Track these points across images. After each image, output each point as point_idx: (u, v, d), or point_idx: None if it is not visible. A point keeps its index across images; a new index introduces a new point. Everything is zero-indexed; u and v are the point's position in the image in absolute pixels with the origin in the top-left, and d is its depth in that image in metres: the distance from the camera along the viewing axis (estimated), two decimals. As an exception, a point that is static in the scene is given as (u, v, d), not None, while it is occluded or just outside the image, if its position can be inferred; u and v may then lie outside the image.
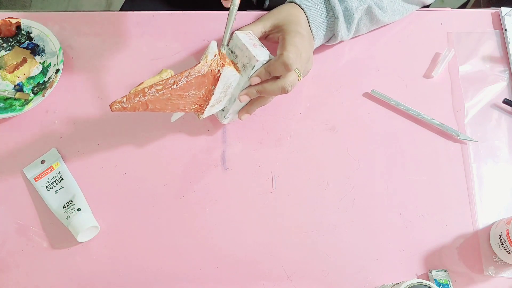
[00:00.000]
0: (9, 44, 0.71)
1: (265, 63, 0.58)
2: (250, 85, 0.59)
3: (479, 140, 0.67)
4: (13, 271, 0.61)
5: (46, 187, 0.63)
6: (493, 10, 0.75)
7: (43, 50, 0.70)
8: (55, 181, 0.64)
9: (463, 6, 1.18)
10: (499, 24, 0.74)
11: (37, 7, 1.72)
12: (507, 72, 0.71)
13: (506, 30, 0.73)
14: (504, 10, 0.74)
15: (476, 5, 1.12)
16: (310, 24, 0.63)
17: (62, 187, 0.63)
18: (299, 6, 0.63)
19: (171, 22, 0.74)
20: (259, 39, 0.62)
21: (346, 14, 0.64)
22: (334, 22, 0.64)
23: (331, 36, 0.67)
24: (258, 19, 0.63)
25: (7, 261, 0.61)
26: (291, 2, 0.64)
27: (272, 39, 0.63)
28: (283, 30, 0.60)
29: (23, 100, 0.67)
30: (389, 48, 0.73)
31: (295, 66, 0.57)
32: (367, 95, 0.69)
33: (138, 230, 0.63)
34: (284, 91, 0.59)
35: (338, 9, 0.63)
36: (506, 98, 0.69)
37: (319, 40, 0.65)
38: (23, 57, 0.70)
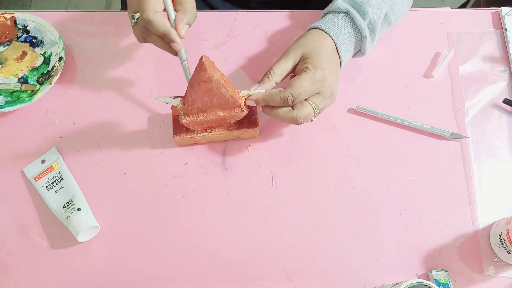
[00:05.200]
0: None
1: None
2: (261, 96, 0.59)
3: (479, 140, 0.67)
4: (13, 271, 0.61)
5: (46, 187, 0.63)
6: (493, 10, 0.75)
7: (42, 41, 0.71)
8: (55, 181, 0.64)
9: (463, 6, 1.18)
10: (499, 24, 0.74)
11: (37, 7, 1.72)
12: (507, 72, 0.71)
13: (506, 30, 0.73)
14: (504, 10, 0.74)
15: (476, 5, 1.12)
16: (339, 50, 0.62)
17: (62, 187, 0.63)
18: (325, 32, 0.62)
19: (171, 22, 0.74)
20: (290, 74, 0.61)
21: (370, 29, 0.63)
22: (361, 41, 0.64)
23: (356, 52, 0.66)
24: (285, 52, 0.61)
25: (7, 261, 0.61)
26: (316, 28, 0.63)
27: (298, 73, 0.60)
28: (305, 64, 0.59)
29: (31, 91, 0.68)
30: (389, 48, 0.73)
31: (296, 102, 0.57)
32: (366, 96, 0.69)
33: (138, 230, 0.62)
34: (295, 122, 0.58)
35: (365, 27, 0.62)
36: (506, 98, 0.69)
37: (346, 61, 0.64)
38: (23, 51, 0.71)
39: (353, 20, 0.62)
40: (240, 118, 0.62)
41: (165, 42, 0.57)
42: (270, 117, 0.61)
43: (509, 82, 0.71)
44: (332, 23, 0.62)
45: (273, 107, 0.59)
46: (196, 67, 0.55)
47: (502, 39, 0.73)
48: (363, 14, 0.62)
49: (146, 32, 0.57)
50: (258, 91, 0.59)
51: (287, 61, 0.60)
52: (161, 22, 0.55)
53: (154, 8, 0.54)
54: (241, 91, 0.59)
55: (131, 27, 0.59)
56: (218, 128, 0.63)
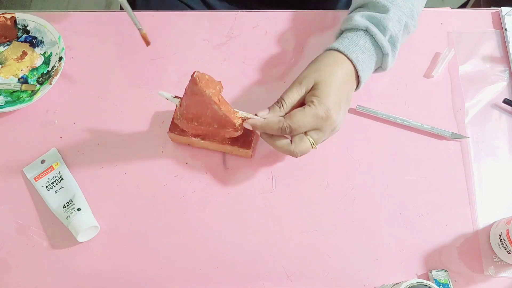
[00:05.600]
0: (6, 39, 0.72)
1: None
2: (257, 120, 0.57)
3: (479, 140, 0.67)
4: (13, 271, 0.61)
5: (46, 187, 0.63)
6: (493, 10, 0.75)
7: (42, 41, 0.71)
8: (55, 181, 0.64)
9: (463, 6, 1.18)
10: (499, 24, 0.74)
11: (37, 7, 1.72)
12: (507, 72, 0.71)
13: (506, 30, 0.73)
14: (504, 10, 0.74)
15: (476, 5, 1.12)
16: (359, 71, 0.58)
17: (62, 187, 0.63)
18: (343, 54, 0.58)
19: (171, 22, 0.74)
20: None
21: (392, 44, 0.60)
22: (382, 58, 0.61)
23: (376, 69, 0.63)
24: (298, 79, 0.58)
25: (7, 261, 0.61)
26: (332, 49, 0.59)
27: (305, 102, 0.57)
28: (312, 98, 0.56)
29: (31, 91, 0.68)
30: (389, 48, 0.73)
31: (294, 134, 0.55)
32: (366, 96, 0.69)
33: (138, 230, 0.62)
34: (292, 155, 0.57)
35: (386, 44, 0.59)
36: (506, 98, 0.69)
37: (366, 80, 0.61)
38: (23, 51, 0.71)
39: (374, 38, 0.59)
40: (235, 136, 0.61)
41: None
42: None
43: (509, 82, 0.71)
44: (351, 42, 0.58)
45: (271, 135, 0.57)
46: (190, 78, 0.55)
47: (502, 39, 0.73)
48: (383, 30, 0.59)
49: None
50: (257, 117, 0.57)
51: (298, 90, 0.57)
52: None
53: None
54: (239, 112, 0.58)
55: None
56: (212, 139, 0.62)
